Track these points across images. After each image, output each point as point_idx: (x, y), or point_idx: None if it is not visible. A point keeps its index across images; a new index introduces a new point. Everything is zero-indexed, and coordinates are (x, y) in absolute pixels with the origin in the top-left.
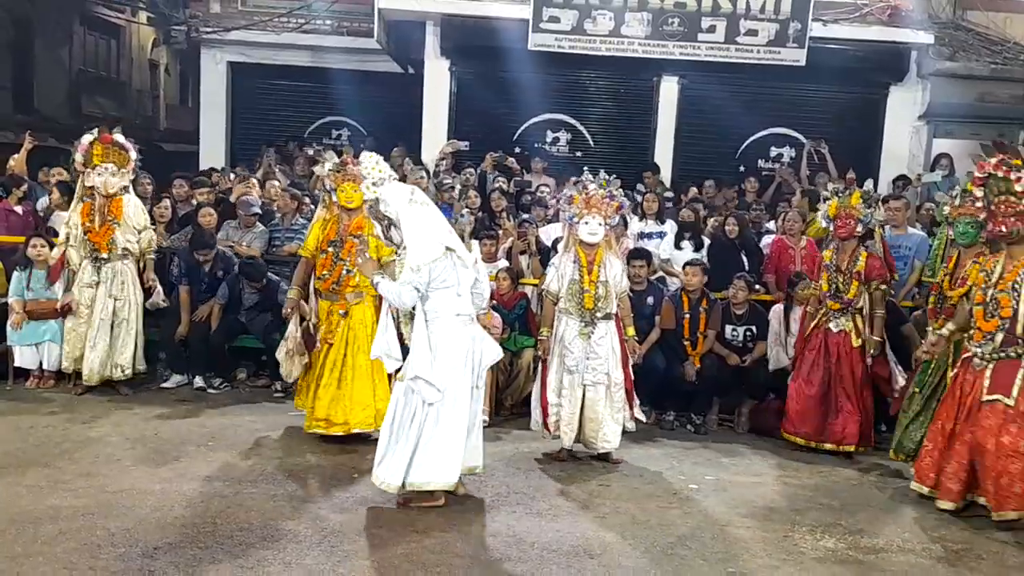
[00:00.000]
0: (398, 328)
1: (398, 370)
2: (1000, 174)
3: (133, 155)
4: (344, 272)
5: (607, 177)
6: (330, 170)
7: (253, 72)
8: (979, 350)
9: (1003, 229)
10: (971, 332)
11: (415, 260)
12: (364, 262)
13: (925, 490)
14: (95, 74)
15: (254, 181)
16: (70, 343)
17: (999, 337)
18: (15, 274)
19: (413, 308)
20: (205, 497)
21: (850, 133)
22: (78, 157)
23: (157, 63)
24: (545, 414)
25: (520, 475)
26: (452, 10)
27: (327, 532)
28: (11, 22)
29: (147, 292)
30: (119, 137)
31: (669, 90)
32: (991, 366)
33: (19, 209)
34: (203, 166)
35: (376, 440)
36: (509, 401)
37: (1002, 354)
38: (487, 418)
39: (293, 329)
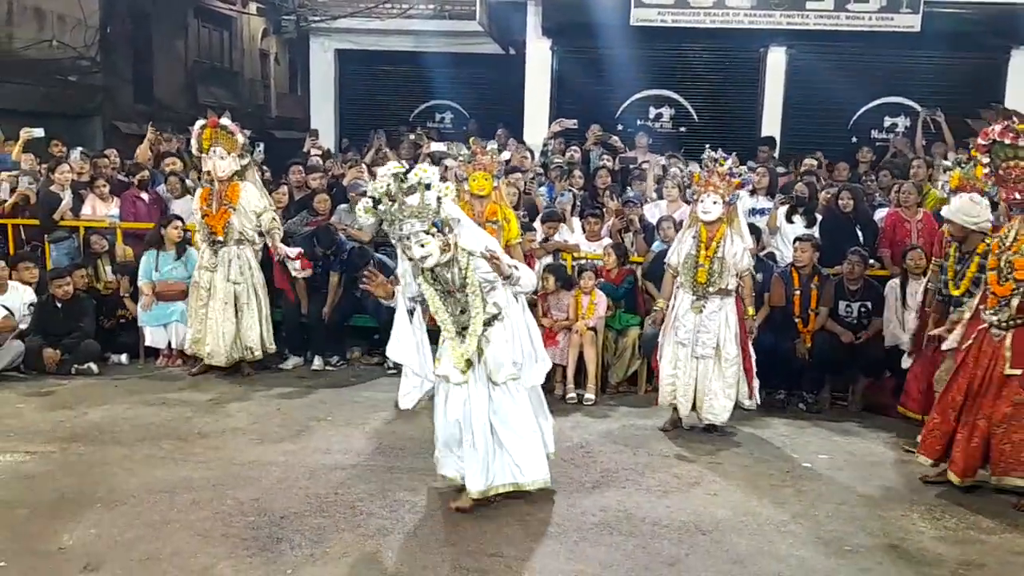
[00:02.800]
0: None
1: None
2: (1007, 141)
3: (240, 138)
4: None
5: (723, 155)
6: (461, 159)
7: (359, 59)
8: (994, 318)
9: (1018, 196)
10: (986, 298)
11: (483, 245)
12: (376, 285)
13: (929, 462)
14: (209, 65)
15: (364, 166)
16: (192, 324)
17: (1015, 302)
18: (144, 257)
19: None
20: (326, 469)
21: (967, 101)
22: (193, 143)
23: (267, 52)
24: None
25: (628, 452)
26: None
27: (444, 502)
28: (131, 17)
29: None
30: (225, 121)
31: (776, 61)
32: (1009, 335)
33: (145, 196)
34: (313, 152)
35: None
36: (615, 379)
37: (1019, 320)
38: (593, 396)
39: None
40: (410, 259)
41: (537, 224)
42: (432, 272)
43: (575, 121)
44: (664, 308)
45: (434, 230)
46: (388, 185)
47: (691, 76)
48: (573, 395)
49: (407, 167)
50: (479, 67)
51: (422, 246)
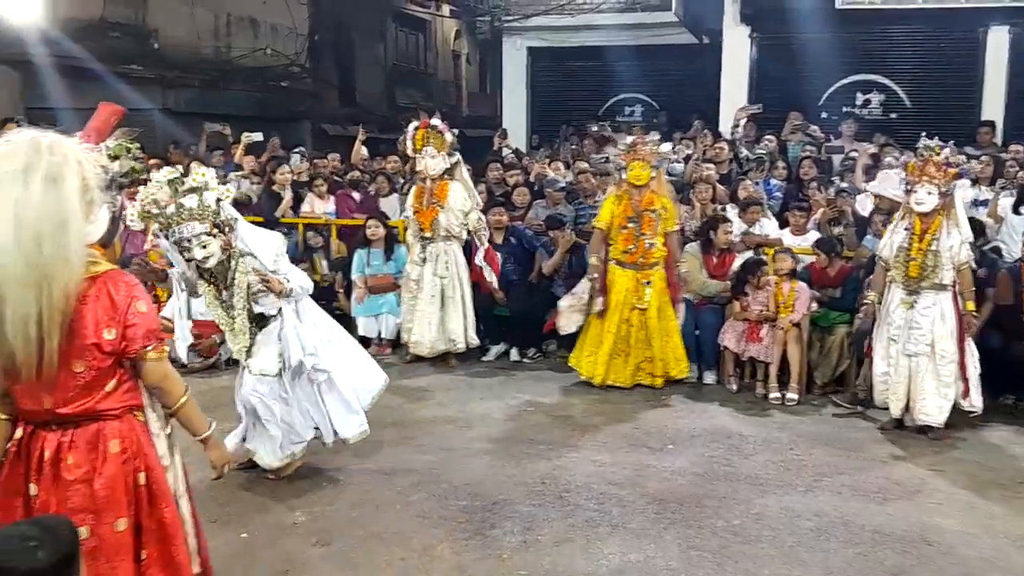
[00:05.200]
0: None
1: None
2: None
3: (449, 138)
4: (647, 245)
5: (940, 143)
6: (620, 150)
7: (550, 56)
8: None
9: None
10: None
11: (269, 255)
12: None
13: None
14: (406, 67)
15: (560, 164)
16: (403, 316)
17: None
18: (356, 254)
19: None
20: (532, 458)
21: None
22: (408, 144)
23: (459, 53)
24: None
25: (842, 455)
26: None
27: (650, 497)
28: (334, 25)
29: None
30: (436, 121)
31: (998, 41)
32: None
33: (356, 195)
34: (505, 149)
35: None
36: (821, 379)
37: None
38: (796, 396)
39: (584, 289)
40: (188, 260)
41: (734, 215)
42: (209, 271)
43: (760, 106)
44: (875, 302)
45: (215, 231)
46: (159, 190)
47: (902, 60)
48: (777, 395)
49: (180, 171)
50: (670, 58)
51: (203, 247)
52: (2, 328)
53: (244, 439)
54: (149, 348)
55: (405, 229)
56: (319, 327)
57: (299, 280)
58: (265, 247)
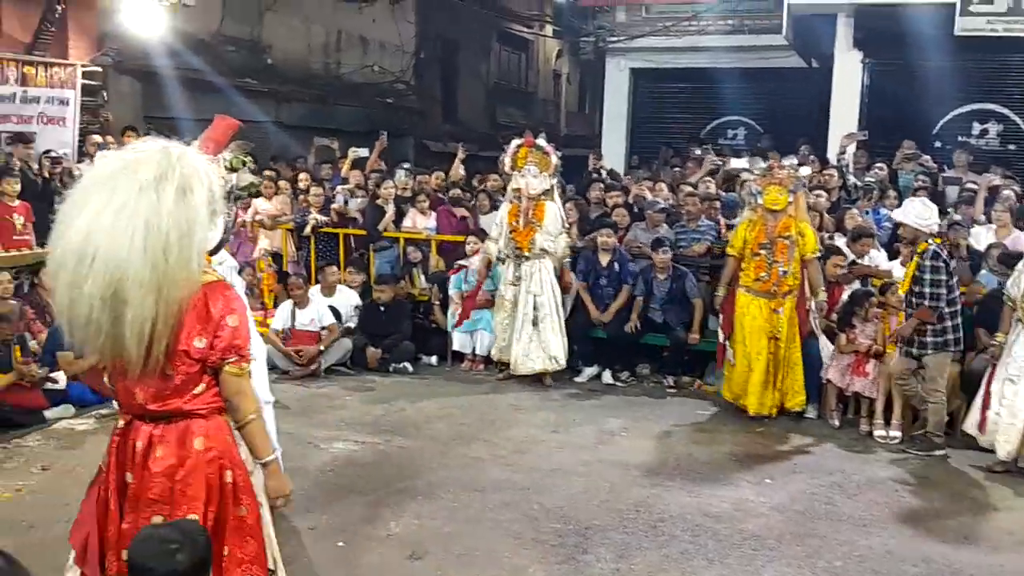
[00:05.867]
0: None
1: None
2: None
3: (554, 159)
4: (781, 273)
5: None
6: (756, 174)
7: (652, 77)
8: None
9: None
10: None
11: None
12: None
13: None
14: (508, 86)
15: (663, 186)
16: (497, 333)
17: None
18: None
19: None
20: (626, 484)
21: None
22: (506, 160)
23: (560, 73)
24: (983, 419)
25: (950, 499)
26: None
27: (747, 533)
28: (440, 43)
29: (564, 290)
30: (541, 141)
31: None
32: None
33: (456, 211)
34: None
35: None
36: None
37: None
38: (899, 434)
39: None
40: None
41: (843, 245)
42: None
43: (865, 133)
44: (1003, 343)
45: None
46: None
47: (1022, 89)
48: (882, 432)
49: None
50: (775, 81)
51: None
52: (119, 329)
53: None
54: (228, 361)
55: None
56: None
57: None
58: None
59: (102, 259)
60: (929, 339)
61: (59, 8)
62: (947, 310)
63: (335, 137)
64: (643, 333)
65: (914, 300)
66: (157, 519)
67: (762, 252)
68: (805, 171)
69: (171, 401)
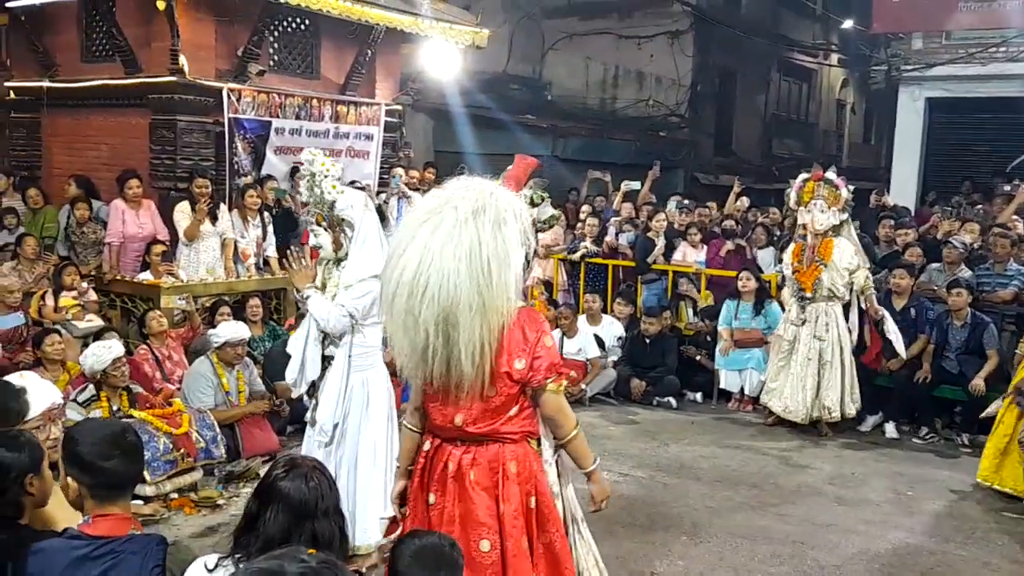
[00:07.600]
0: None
1: None
2: None
3: (844, 193)
4: None
5: None
6: None
7: (949, 107)
8: None
9: None
10: None
11: (353, 275)
12: (297, 270)
13: None
14: (786, 117)
15: (974, 227)
16: (769, 375)
17: None
18: (725, 305)
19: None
20: (912, 549)
21: None
22: (792, 195)
23: (844, 103)
24: None
25: None
26: None
27: None
28: (717, 74)
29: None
30: (831, 175)
31: None
32: None
33: (730, 244)
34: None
35: None
36: None
37: None
38: None
39: None
40: None
41: None
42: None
43: None
44: None
45: (324, 224)
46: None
47: None
48: None
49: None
50: None
51: (315, 236)
52: (452, 351)
53: None
54: (550, 380)
55: (778, 286)
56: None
57: (338, 313)
58: (358, 263)
59: (434, 287)
60: None
61: (368, 53)
62: None
63: (607, 169)
64: (935, 384)
65: None
66: (484, 543)
67: None
68: None
69: (489, 423)
